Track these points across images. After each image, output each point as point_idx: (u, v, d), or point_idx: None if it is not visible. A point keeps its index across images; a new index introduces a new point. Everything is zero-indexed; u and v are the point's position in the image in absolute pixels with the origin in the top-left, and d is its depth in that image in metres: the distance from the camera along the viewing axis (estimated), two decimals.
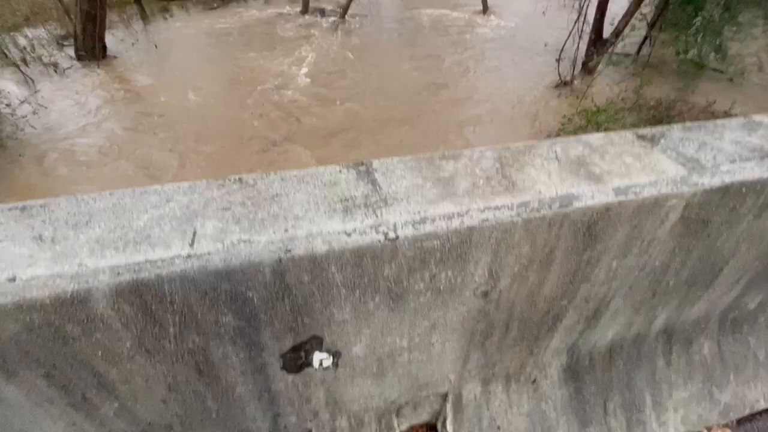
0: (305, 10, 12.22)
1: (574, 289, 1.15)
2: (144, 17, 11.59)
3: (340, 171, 0.98)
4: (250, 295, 0.83)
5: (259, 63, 8.05)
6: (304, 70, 7.43)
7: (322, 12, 12.17)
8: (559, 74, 7.40)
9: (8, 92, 5.97)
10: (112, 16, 9.97)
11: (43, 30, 9.96)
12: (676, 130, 1.20)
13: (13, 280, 0.70)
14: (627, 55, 8.71)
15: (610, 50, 7.46)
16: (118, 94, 6.82)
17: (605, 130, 5.40)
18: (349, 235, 0.82)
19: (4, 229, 0.79)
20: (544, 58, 8.68)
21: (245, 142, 5.32)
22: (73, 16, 8.72)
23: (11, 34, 8.90)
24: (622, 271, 1.15)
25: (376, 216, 0.85)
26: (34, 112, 5.83)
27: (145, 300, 0.76)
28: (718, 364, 1.64)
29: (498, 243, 0.93)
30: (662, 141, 1.14)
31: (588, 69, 7.73)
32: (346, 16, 11.73)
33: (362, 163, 1.00)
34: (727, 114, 5.98)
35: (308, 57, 8.56)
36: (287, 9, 12.71)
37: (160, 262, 0.74)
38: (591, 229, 0.98)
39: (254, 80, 6.98)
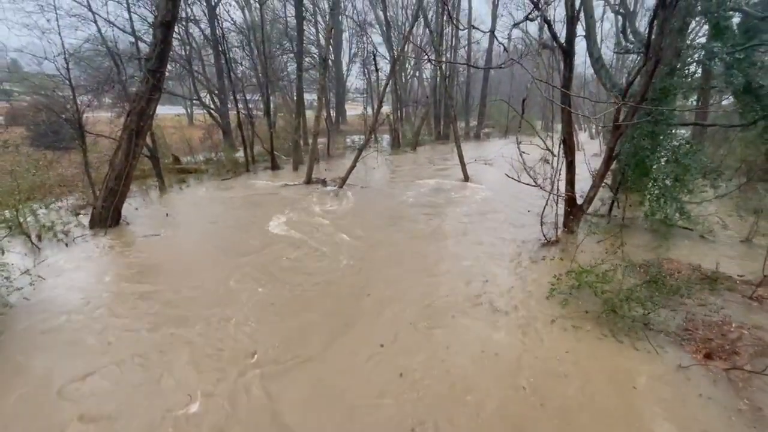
0: (308, 181, 13.80)
1: None
2: (162, 188, 12.86)
3: None
4: None
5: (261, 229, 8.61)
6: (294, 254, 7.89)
7: (324, 182, 13.74)
8: (544, 235, 7.96)
9: (12, 264, 6.03)
10: (133, 187, 10.99)
11: (65, 201, 10.85)
12: None
13: None
14: (601, 216, 9.61)
15: (585, 213, 8.24)
16: (116, 264, 7.02)
17: (601, 292, 5.34)
18: None
19: None
20: (528, 219, 9.49)
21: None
22: (97, 190, 9.61)
23: (35, 204, 9.61)
24: None
25: None
26: (31, 283, 5.78)
27: None
28: None
29: None
30: None
31: (569, 229, 8.36)
32: (344, 186, 13.22)
33: None
34: (715, 273, 6.20)
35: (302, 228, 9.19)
36: (293, 180, 14.37)
37: None
38: None
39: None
